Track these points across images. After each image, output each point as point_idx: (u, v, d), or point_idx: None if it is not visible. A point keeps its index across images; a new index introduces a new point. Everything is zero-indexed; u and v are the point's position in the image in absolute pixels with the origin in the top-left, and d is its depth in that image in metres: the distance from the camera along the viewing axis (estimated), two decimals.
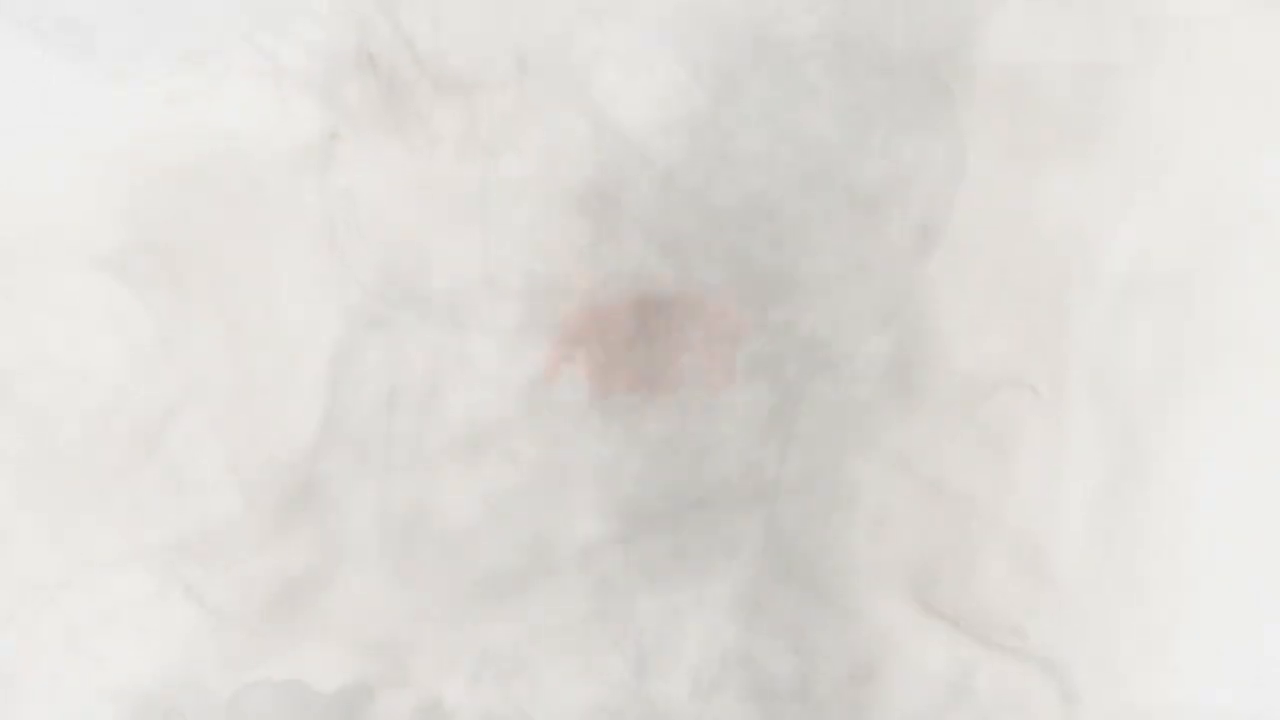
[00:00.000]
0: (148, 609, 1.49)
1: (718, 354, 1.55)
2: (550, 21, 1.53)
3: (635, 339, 1.55)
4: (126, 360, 1.49)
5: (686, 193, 1.54)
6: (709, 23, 1.54)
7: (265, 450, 1.50)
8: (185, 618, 1.50)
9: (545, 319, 1.53)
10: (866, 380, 1.55)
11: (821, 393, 1.55)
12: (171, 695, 1.50)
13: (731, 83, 1.54)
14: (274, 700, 1.51)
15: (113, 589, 1.49)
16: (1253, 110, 1.56)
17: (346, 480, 1.51)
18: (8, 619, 1.47)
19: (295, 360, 1.51)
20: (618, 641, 1.54)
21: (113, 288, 1.48)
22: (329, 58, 1.51)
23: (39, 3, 1.47)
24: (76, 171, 1.48)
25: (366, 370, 1.52)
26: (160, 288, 1.49)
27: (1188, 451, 1.56)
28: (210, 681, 1.50)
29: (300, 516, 1.51)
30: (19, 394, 1.47)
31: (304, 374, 1.51)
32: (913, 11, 1.54)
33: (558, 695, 1.54)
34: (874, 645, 1.56)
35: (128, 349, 1.49)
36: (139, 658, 1.49)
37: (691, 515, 1.55)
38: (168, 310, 1.49)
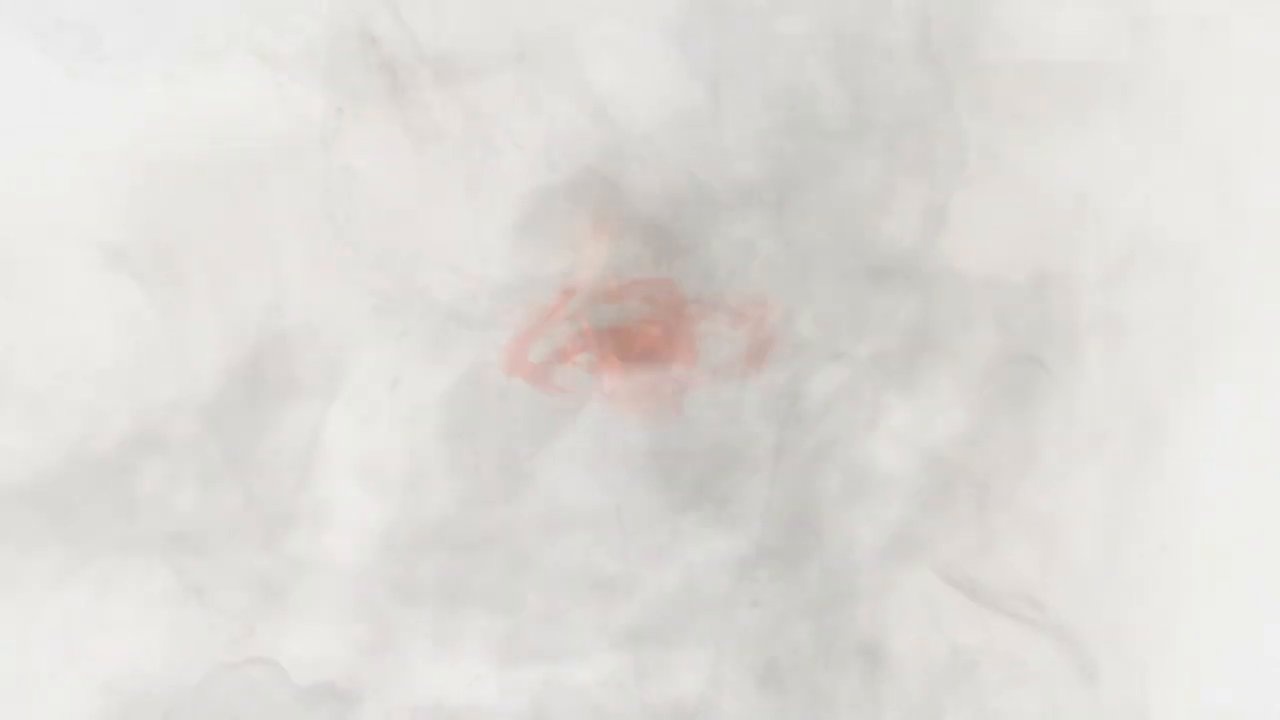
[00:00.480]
0: (146, 605, 1.50)
1: (721, 342, 1.55)
2: (550, 14, 1.53)
3: (636, 327, 1.55)
4: (128, 357, 1.49)
5: (687, 185, 1.54)
6: (709, 16, 1.53)
7: (264, 446, 1.51)
8: (184, 613, 1.50)
9: (546, 309, 1.53)
10: (875, 364, 1.55)
11: (828, 378, 1.55)
12: (170, 691, 1.50)
13: (732, 76, 1.54)
14: (271, 695, 1.51)
15: (111, 585, 1.49)
16: (1252, 109, 1.56)
17: (345, 475, 1.52)
18: (7, 617, 1.48)
19: (296, 357, 1.51)
20: (621, 627, 1.55)
21: (115, 285, 1.49)
22: (330, 53, 1.51)
23: (39, 3, 1.47)
24: (77, 170, 1.48)
25: (367, 364, 1.52)
26: (162, 285, 1.49)
27: (1187, 451, 1.56)
28: (207, 676, 1.51)
29: (300, 513, 1.51)
30: (20, 390, 1.48)
31: (304, 370, 1.51)
32: (913, 6, 1.54)
33: (560, 687, 1.54)
34: (886, 617, 1.56)
35: (129, 346, 1.49)
36: (137, 653, 1.50)
37: (697, 497, 1.55)
38: (169, 307, 1.49)
